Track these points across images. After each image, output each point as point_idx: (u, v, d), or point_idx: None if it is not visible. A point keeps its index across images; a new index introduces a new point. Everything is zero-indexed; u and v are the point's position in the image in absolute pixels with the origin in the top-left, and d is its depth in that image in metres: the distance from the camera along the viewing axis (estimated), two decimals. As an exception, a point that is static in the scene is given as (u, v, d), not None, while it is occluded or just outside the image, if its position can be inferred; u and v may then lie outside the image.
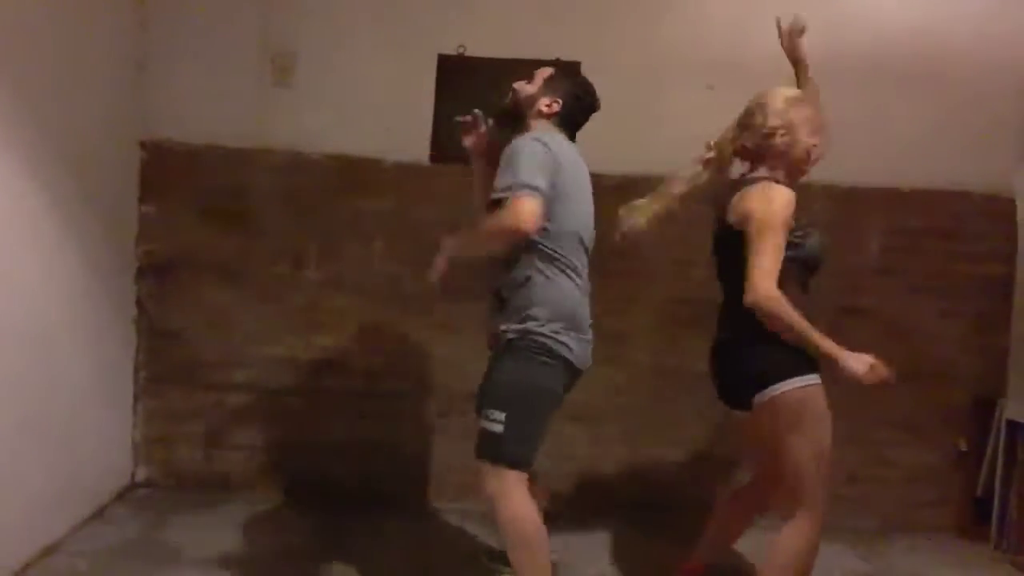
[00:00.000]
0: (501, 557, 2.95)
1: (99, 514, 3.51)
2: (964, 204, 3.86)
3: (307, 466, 3.88)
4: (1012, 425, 3.71)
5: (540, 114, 2.80)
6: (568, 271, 2.66)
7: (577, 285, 2.68)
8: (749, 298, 2.50)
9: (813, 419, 2.61)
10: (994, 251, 3.86)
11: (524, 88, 2.84)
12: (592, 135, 3.75)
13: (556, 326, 2.61)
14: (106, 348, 3.59)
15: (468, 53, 3.77)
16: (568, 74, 2.95)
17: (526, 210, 2.49)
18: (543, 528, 2.62)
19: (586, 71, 3.72)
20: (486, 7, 3.79)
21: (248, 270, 3.82)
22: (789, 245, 2.56)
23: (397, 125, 3.78)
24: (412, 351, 3.82)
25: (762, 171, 2.74)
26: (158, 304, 3.82)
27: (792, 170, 2.73)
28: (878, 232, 3.87)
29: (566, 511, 3.69)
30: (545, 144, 2.61)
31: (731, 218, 2.66)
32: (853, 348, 2.61)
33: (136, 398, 3.84)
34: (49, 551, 3.11)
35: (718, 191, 2.81)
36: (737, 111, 2.85)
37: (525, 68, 2.85)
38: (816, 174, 3.90)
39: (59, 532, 3.22)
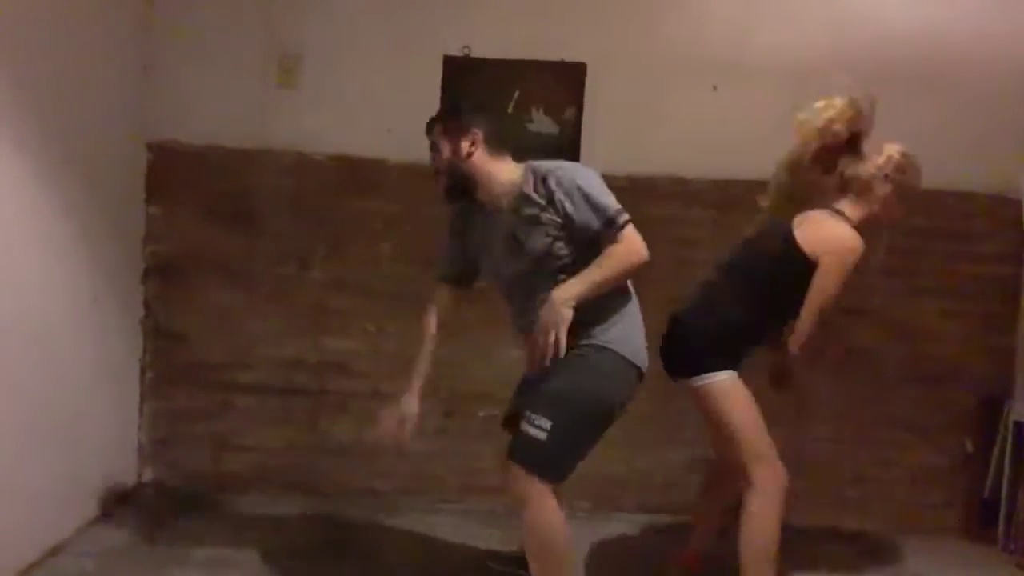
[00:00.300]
0: (513, 561, 2.94)
1: (105, 515, 3.51)
2: (970, 205, 3.84)
3: (313, 467, 3.88)
4: (1019, 426, 3.69)
5: (479, 157, 2.69)
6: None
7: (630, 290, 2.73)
8: (793, 350, 2.75)
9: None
10: (1000, 252, 3.85)
11: (440, 160, 2.73)
12: (597, 136, 3.78)
13: (625, 332, 2.63)
14: (112, 349, 3.60)
15: (473, 54, 3.77)
16: (442, 111, 2.92)
17: (638, 239, 2.58)
18: (570, 539, 2.57)
19: (590, 72, 3.74)
20: (491, 8, 3.79)
21: (254, 271, 3.83)
22: None
23: (402, 126, 3.76)
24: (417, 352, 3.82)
25: (839, 203, 2.82)
26: (164, 305, 3.83)
27: (868, 220, 2.84)
28: (884, 233, 3.85)
29: (568, 512, 3.69)
30: (577, 165, 2.70)
31: (800, 241, 2.78)
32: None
33: (142, 399, 3.85)
34: (55, 551, 3.12)
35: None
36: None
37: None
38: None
39: (65, 532, 3.23)
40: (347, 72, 3.79)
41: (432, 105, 3.77)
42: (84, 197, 3.26)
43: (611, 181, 3.77)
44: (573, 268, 2.58)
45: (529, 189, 2.60)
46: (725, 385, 2.79)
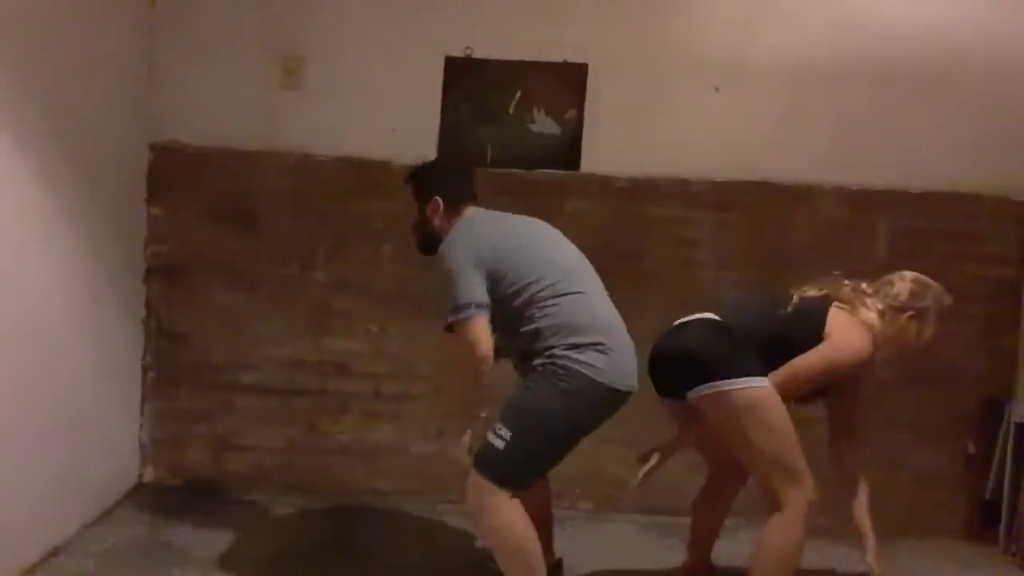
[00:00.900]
0: None
1: (107, 515, 3.52)
2: (973, 206, 3.84)
3: (314, 467, 3.89)
4: (1021, 428, 3.69)
5: (439, 219, 2.87)
6: (565, 294, 2.65)
7: (584, 294, 2.68)
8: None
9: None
10: (1003, 253, 3.85)
11: (413, 225, 2.95)
12: (599, 137, 3.78)
13: (574, 343, 2.58)
14: (114, 349, 3.60)
15: (475, 55, 3.77)
16: (414, 175, 2.99)
17: (473, 336, 2.58)
18: (533, 537, 2.60)
19: (592, 72, 3.74)
20: (493, 9, 3.79)
21: (256, 272, 3.83)
22: None
23: (404, 127, 3.79)
24: (419, 353, 3.83)
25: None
26: (166, 305, 3.83)
27: (895, 346, 2.80)
28: (886, 234, 3.86)
29: (570, 512, 3.69)
30: (460, 239, 2.71)
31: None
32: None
33: (144, 399, 3.86)
34: (57, 551, 3.12)
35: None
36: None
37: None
38: (825, 175, 3.92)
39: (67, 532, 3.23)
40: (349, 73, 3.80)
41: (434, 106, 3.79)
42: (86, 197, 3.26)
43: (613, 182, 3.82)
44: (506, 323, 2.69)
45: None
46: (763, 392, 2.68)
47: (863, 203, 3.84)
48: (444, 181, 2.92)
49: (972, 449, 3.89)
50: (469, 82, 3.77)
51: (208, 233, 3.81)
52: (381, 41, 3.79)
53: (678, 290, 3.81)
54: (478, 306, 2.59)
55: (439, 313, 2.71)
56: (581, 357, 2.57)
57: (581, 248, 2.85)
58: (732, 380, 2.64)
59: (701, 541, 3.12)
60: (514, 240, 2.73)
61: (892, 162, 3.84)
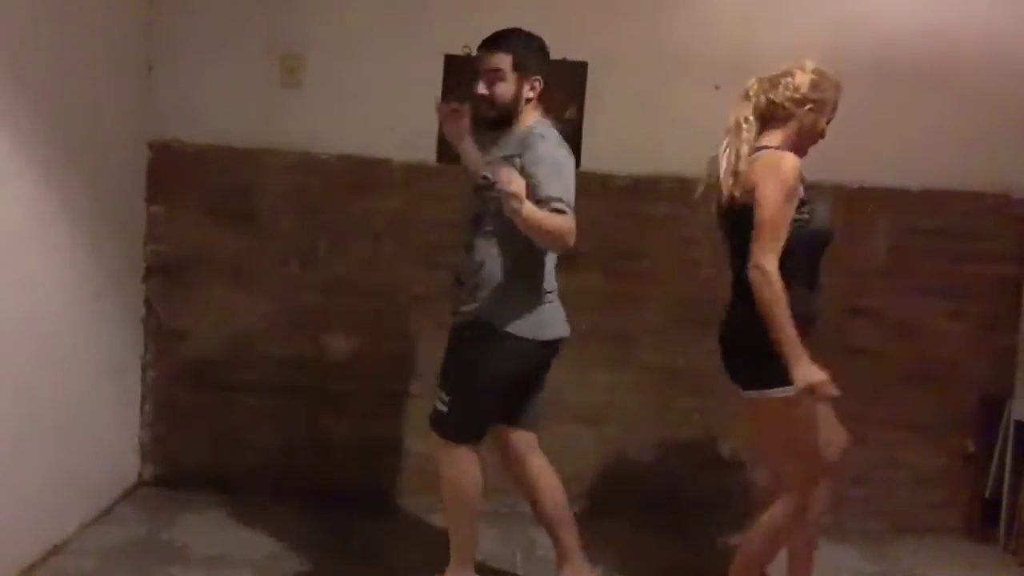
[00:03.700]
0: None
1: (106, 513, 3.51)
2: (973, 204, 3.84)
3: (314, 466, 3.88)
4: (1020, 426, 3.69)
5: (529, 103, 2.80)
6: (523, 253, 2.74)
7: (529, 251, 2.73)
8: (750, 274, 2.50)
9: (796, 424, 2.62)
10: (1003, 252, 3.85)
11: (502, 93, 2.77)
12: (599, 136, 3.77)
13: (502, 301, 2.75)
14: (113, 347, 3.60)
15: (474, 53, 3.76)
16: (516, 40, 2.82)
17: (574, 232, 2.63)
18: (479, 498, 2.91)
19: (592, 70, 3.73)
20: (492, 7, 3.77)
21: (256, 270, 3.83)
22: (794, 222, 2.54)
23: (404, 125, 3.77)
24: (419, 351, 3.82)
25: (768, 138, 2.69)
26: (166, 304, 3.83)
27: (800, 144, 2.72)
28: (886, 232, 3.85)
29: (571, 511, 3.69)
30: (567, 150, 2.73)
31: (738, 192, 2.61)
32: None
33: (144, 397, 3.85)
34: (56, 550, 3.12)
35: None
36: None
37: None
38: (825, 174, 3.90)
39: (66, 531, 3.23)
40: (349, 71, 3.79)
41: (433, 105, 3.77)
42: (86, 196, 3.26)
43: (613, 180, 3.81)
44: (499, 241, 2.74)
45: (523, 134, 2.73)
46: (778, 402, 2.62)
47: (862, 202, 3.84)
48: (547, 70, 2.82)
49: (972, 447, 3.89)
50: (468, 80, 3.75)
51: (208, 231, 3.80)
52: (381, 39, 3.78)
53: (678, 289, 3.82)
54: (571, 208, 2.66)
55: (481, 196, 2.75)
56: (505, 314, 2.77)
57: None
58: None
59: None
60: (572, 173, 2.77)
61: (891, 161, 3.84)
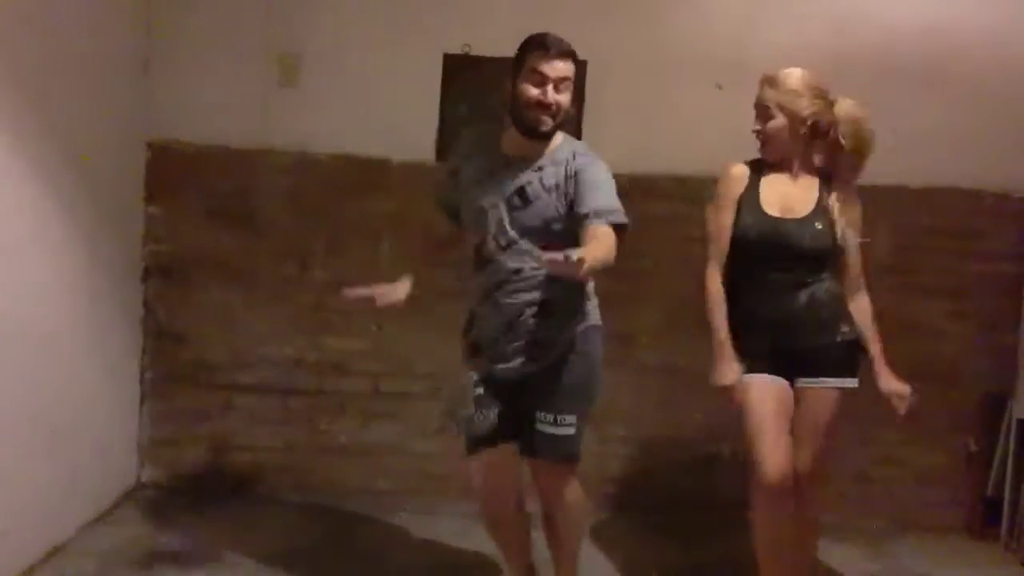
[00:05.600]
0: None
1: (106, 515, 3.51)
2: (974, 203, 3.84)
3: (313, 467, 3.88)
4: (1022, 424, 3.69)
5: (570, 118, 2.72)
6: None
7: None
8: None
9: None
10: (1004, 250, 3.85)
11: (567, 104, 2.60)
12: (600, 135, 3.76)
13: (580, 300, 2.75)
14: (112, 349, 3.59)
15: (473, 52, 3.76)
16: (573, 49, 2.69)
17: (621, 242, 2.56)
18: (490, 493, 2.79)
19: (593, 70, 3.72)
20: (491, 6, 3.77)
21: (254, 271, 3.82)
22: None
23: (402, 125, 3.77)
24: (418, 352, 3.82)
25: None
26: (164, 305, 3.82)
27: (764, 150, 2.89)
28: (887, 230, 3.84)
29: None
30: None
31: None
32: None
33: (142, 399, 3.84)
34: (56, 551, 3.12)
35: None
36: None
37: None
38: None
39: (66, 532, 3.22)
40: (347, 70, 3.78)
41: (433, 103, 3.77)
42: (83, 196, 3.25)
43: (614, 180, 3.79)
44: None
45: (564, 155, 2.62)
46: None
47: (863, 200, 3.81)
48: None
49: (973, 446, 3.88)
50: (468, 79, 3.75)
51: (206, 232, 3.80)
52: (379, 38, 3.77)
53: (678, 288, 3.80)
54: None
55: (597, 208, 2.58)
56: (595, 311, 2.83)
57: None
58: None
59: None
60: None
61: (892, 159, 3.81)
